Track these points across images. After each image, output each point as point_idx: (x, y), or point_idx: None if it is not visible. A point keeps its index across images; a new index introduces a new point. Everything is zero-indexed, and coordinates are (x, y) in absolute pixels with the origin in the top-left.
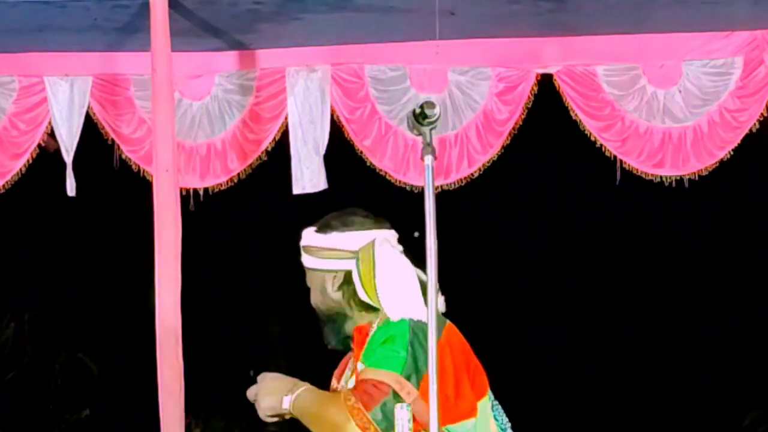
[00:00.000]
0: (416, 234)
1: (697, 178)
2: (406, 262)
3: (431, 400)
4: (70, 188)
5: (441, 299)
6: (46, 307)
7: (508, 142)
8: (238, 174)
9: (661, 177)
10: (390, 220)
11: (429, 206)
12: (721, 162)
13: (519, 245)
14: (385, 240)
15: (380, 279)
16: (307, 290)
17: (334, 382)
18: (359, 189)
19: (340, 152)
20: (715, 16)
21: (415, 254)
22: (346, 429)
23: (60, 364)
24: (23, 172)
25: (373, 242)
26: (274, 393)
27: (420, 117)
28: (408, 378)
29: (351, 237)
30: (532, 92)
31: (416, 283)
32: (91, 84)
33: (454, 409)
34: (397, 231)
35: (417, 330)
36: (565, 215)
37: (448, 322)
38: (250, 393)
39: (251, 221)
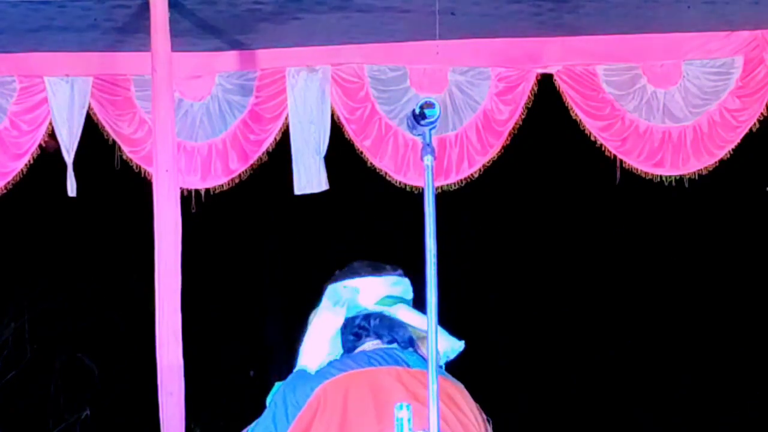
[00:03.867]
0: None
1: (697, 177)
2: (327, 317)
3: (431, 404)
4: (71, 188)
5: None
6: (46, 307)
7: (508, 142)
8: (239, 174)
9: (661, 177)
10: (390, 220)
11: (429, 206)
12: (721, 162)
13: (519, 245)
14: (334, 291)
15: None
16: (307, 290)
17: None
18: (359, 189)
19: (341, 152)
20: (715, 16)
21: (415, 255)
22: None
23: (60, 364)
24: (24, 172)
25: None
26: None
27: (420, 117)
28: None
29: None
30: (532, 92)
31: (324, 338)
32: (91, 84)
33: None
34: (397, 232)
35: (289, 382)
36: (565, 215)
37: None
38: None
39: (252, 221)
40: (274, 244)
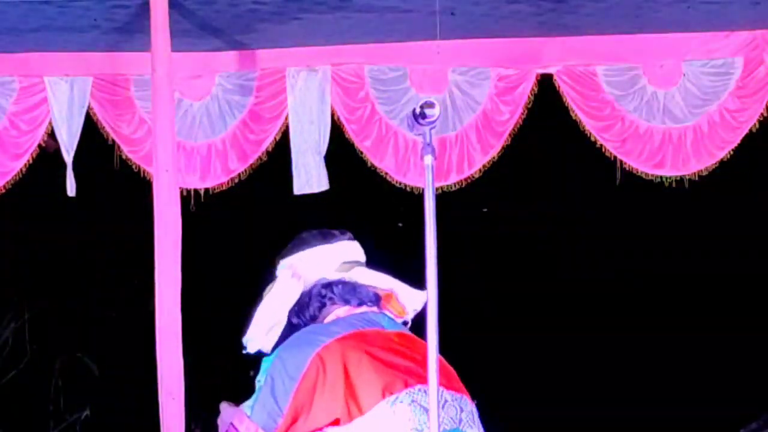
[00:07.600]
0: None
1: (697, 178)
2: (285, 289)
3: (431, 403)
4: (71, 188)
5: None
6: (46, 307)
7: (508, 142)
8: (239, 174)
9: (661, 177)
10: (390, 220)
11: (429, 206)
12: (721, 162)
13: (519, 245)
14: (289, 265)
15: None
16: None
17: None
18: (359, 190)
19: (341, 152)
20: (715, 16)
21: (414, 255)
22: None
23: (60, 364)
24: (24, 172)
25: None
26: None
27: (420, 117)
28: (264, 412)
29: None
30: (532, 92)
31: (282, 310)
32: (91, 84)
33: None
34: (396, 232)
35: (280, 354)
36: (565, 216)
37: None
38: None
39: (252, 221)
40: (274, 244)
